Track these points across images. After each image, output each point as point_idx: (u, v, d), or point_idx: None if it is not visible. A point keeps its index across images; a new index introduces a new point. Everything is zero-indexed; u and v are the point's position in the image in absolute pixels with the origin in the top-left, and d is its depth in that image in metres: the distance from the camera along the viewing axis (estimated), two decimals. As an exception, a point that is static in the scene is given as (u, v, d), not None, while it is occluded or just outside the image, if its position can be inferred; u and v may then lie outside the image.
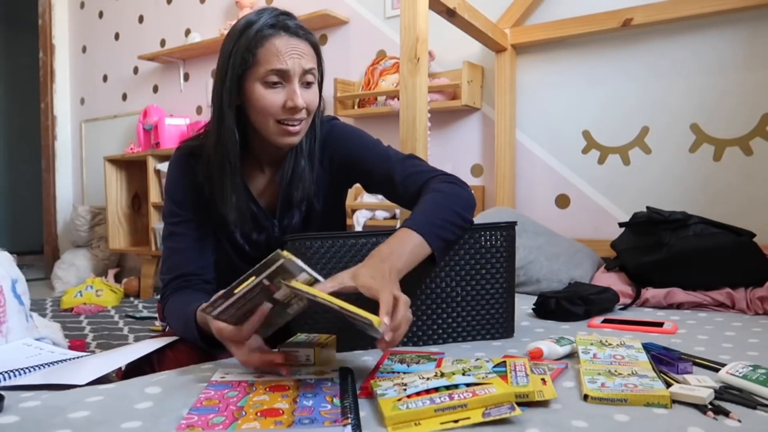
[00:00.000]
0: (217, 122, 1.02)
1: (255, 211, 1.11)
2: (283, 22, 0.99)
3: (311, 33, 1.04)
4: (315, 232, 1.02)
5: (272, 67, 0.97)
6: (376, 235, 1.00)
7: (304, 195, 1.09)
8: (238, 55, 0.98)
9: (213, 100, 1.03)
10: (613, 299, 1.36)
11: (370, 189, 1.16)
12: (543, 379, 0.74)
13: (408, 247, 0.90)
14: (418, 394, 0.67)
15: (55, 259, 3.90)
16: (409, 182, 1.06)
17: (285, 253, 0.72)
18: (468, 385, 0.68)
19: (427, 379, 0.72)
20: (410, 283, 1.01)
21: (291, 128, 1.01)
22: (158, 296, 2.10)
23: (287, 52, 0.97)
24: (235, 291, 0.73)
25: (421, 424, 0.62)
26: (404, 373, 0.79)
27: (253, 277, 0.73)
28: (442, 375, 0.72)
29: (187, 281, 1.05)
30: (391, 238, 0.92)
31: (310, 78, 1.02)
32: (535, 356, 0.90)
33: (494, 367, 0.79)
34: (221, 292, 0.75)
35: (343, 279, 0.83)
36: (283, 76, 0.98)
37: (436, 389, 0.68)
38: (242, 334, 0.78)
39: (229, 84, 0.99)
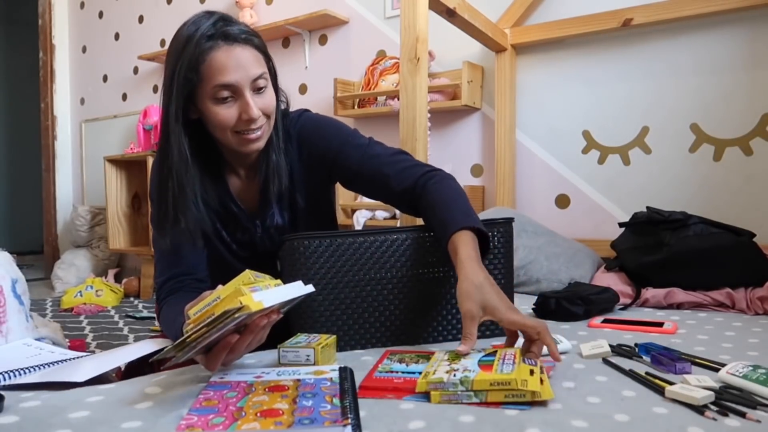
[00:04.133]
0: (164, 138, 1.00)
1: (236, 212, 1.11)
2: (220, 31, 0.95)
3: (254, 35, 1.00)
4: (312, 231, 1.01)
5: (218, 83, 0.94)
6: (374, 233, 1.00)
7: (280, 188, 1.08)
8: (182, 76, 0.94)
9: (161, 116, 1.00)
10: (613, 299, 1.36)
11: (352, 186, 1.13)
12: (531, 370, 0.73)
13: (475, 250, 0.90)
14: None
15: (55, 259, 3.90)
16: (403, 176, 1.05)
17: (246, 304, 0.68)
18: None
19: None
20: (405, 280, 1.01)
21: (251, 136, 0.99)
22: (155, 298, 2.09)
23: (231, 65, 0.94)
24: (193, 339, 0.69)
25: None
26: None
27: (215, 330, 0.69)
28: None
29: (179, 282, 1.05)
30: (461, 253, 0.89)
31: (261, 83, 0.98)
32: None
33: (485, 356, 0.78)
34: (181, 339, 0.70)
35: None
36: (232, 89, 0.96)
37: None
38: (210, 368, 0.77)
39: (176, 103, 0.96)
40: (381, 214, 2.40)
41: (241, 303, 0.68)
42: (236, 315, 0.68)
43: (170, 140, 0.99)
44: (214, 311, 0.71)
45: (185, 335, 0.70)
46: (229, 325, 0.70)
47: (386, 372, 0.81)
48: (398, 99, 1.79)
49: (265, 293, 0.73)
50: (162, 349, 0.72)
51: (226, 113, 0.97)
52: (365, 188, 1.11)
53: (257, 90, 0.98)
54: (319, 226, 1.14)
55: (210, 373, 0.81)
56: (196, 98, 0.98)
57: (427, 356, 0.89)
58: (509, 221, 1.06)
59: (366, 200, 2.44)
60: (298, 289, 0.80)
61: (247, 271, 0.79)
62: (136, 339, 2.32)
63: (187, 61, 0.94)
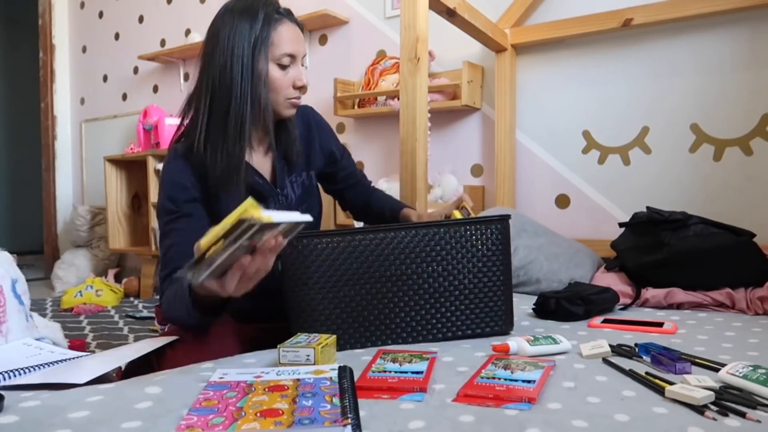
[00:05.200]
0: (248, 94, 1.09)
1: (260, 183, 1.18)
2: (280, 10, 1.14)
3: None
4: (321, 230, 1.03)
5: (287, 51, 1.12)
6: (374, 231, 1.01)
7: (299, 157, 1.24)
8: (257, 37, 1.09)
9: (232, 77, 1.08)
10: (613, 299, 1.36)
11: (344, 183, 1.38)
12: None
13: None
14: None
15: (55, 259, 3.90)
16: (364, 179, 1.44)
17: (257, 216, 0.72)
18: None
19: None
20: (404, 279, 1.01)
21: (298, 101, 1.18)
22: (158, 296, 2.09)
23: (296, 38, 1.14)
24: (210, 254, 0.74)
25: None
26: None
27: (230, 240, 0.73)
28: None
29: None
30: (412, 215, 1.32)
31: (305, 60, 1.16)
32: (501, 350, 0.91)
33: None
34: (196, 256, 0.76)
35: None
36: (293, 58, 1.14)
37: None
38: (226, 289, 0.81)
39: (253, 60, 1.09)
40: (381, 214, 2.39)
41: (253, 216, 0.71)
42: (252, 222, 0.71)
43: (243, 93, 1.09)
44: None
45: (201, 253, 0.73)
46: (242, 239, 0.73)
47: (380, 372, 0.81)
48: (398, 99, 1.79)
49: (271, 212, 0.76)
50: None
51: (285, 78, 1.14)
52: (356, 190, 1.40)
53: (302, 65, 1.17)
54: (313, 214, 1.20)
55: (210, 373, 0.81)
56: (257, 59, 1.10)
57: (420, 355, 0.89)
58: (506, 218, 1.06)
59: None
60: (298, 215, 0.84)
61: (249, 198, 0.80)
62: (136, 339, 2.32)
63: (262, 25, 1.10)
